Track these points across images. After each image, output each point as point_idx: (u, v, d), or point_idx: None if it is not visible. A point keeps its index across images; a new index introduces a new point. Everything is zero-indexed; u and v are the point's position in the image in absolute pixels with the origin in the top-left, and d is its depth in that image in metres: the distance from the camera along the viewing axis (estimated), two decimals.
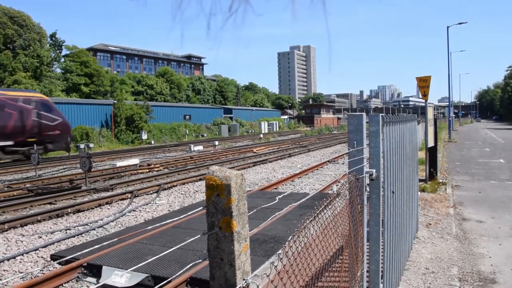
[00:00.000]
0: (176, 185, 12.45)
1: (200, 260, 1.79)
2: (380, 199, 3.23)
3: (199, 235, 1.68)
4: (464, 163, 16.02)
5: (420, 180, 8.98)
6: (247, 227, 1.64)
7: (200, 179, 13.41)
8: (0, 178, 15.09)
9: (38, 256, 6.15)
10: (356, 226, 2.83)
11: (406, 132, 4.69)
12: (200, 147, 27.28)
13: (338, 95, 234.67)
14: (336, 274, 3.03)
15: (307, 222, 1.88)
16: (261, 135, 43.03)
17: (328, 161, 17.75)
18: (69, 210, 9.06)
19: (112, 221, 8.20)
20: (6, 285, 4.99)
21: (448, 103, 47.39)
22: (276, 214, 2.61)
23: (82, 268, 5.31)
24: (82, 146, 27.54)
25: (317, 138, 38.12)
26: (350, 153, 2.99)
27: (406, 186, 4.72)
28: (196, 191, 11.40)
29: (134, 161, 19.02)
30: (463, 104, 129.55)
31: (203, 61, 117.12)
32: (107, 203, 9.96)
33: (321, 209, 2.08)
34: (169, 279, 4.31)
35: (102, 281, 4.74)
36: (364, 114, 3.13)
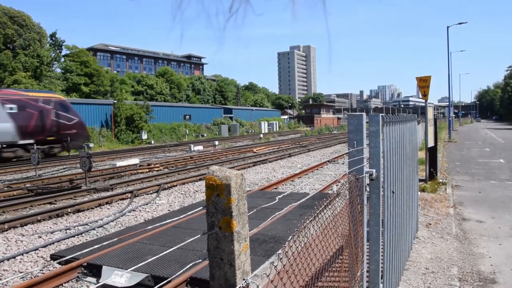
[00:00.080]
0: (176, 185, 12.45)
1: (200, 260, 1.79)
2: (380, 199, 3.23)
3: (199, 235, 1.68)
4: (464, 163, 16.02)
5: (420, 180, 8.98)
6: (247, 227, 1.64)
7: (200, 179, 13.41)
8: (0, 178, 15.10)
9: (38, 256, 6.15)
10: (356, 226, 2.83)
11: (406, 132, 4.69)
12: (200, 147, 27.28)
13: (338, 95, 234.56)
14: (336, 274, 3.03)
15: (307, 222, 1.88)
16: (261, 135, 43.03)
17: (328, 161, 17.75)
18: (69, 210, 9.06)
19: (112, 221, 8.20)
20: (6, 285, 4.99)
21: (448, 103, 47.40)
22: (276, 214, 2.61)
23: (82, 268, 5.31)
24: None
25: (317, 138, 38.12)
26: (350, 153, 2.99)
27: (406, 186, 4.72)
28: (196, 191, 11.40)
29: (134, 161, 19.04)
30: (463, 104, 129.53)
31: (203, 61, 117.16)
32: (107, 203, 9.96)
33: (321, 209, 2.08)
34: (169, 279, 4.31)
35: (102, 281, 4.74)
36: (364, 114, 3.13)
